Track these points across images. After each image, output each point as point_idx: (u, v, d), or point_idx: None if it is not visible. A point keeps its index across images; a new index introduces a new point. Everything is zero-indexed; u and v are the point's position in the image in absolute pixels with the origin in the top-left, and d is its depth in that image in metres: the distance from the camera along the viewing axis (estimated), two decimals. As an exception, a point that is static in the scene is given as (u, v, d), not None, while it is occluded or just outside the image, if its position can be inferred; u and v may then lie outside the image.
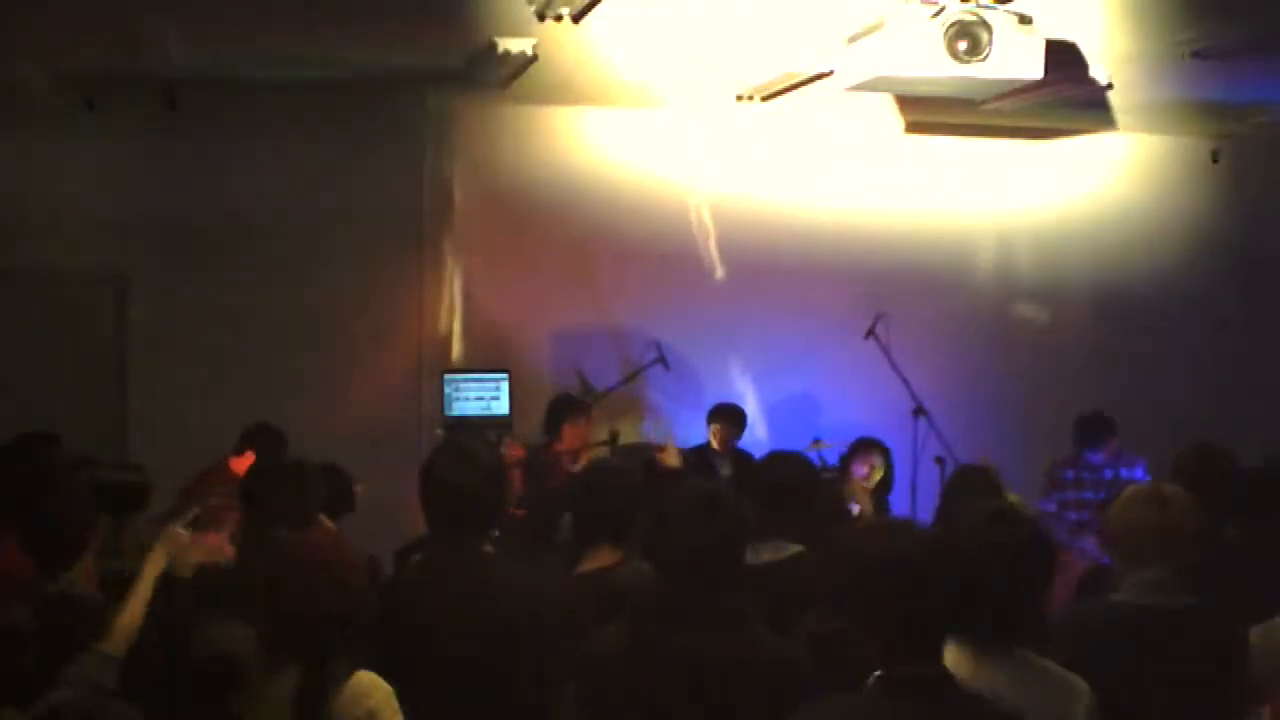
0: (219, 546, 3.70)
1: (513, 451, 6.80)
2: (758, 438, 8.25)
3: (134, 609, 3.29)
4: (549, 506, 5.31)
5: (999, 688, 2.73)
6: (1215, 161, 8.88)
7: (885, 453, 7.03)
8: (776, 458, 4.46)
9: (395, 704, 2.94)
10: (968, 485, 4.88)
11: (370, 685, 2.94)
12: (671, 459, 5.30)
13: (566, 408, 7.21)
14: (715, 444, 7.60)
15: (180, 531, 3.55)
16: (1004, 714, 2.42)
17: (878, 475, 6.90)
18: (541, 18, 5.66)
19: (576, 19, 5.66)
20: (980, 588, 2.72)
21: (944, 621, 2.49)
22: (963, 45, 5.02)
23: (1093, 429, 7.31)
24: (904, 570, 2.44)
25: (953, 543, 2.53)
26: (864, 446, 7.01)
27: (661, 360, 8.14)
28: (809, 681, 2.83)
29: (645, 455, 5.55)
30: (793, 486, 4.13)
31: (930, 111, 8.09)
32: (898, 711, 2.37)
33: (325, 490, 4.06)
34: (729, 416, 7.70)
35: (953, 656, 2.77)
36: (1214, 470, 4.05)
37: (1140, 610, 3.27)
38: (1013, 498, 4.94)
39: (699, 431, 7.78)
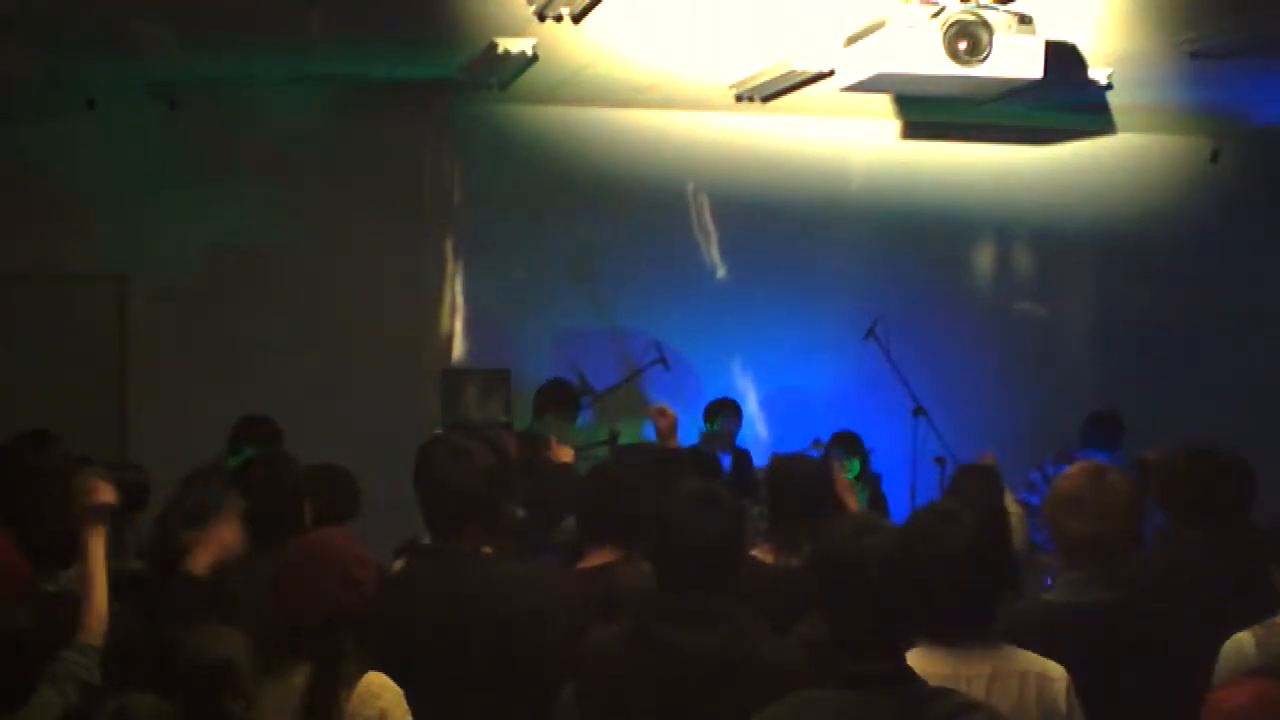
0: (226, 542, 3.69)
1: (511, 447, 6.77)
2: (758, 436, 8.27)
3: (99, 594, 3.23)
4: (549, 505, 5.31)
5: (978, 682, 2.74)
6: (1215, 161, 8.88)
7: (851, 446, 6.96)
8: (796, 464, 4.44)
9: (405, 705, 2.94)
10: (968, 485, 4.87)
11: (381, 686, 2.93)
12: (668, 434, 5.27)
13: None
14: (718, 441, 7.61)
15: (88, 481, 3.40)
16: (964, 705, 2.42)
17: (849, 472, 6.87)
18: (541, 18, 5.66)
19: (576, 19, 5.66)
20: (938, 586, 2.73)
21: (901, 621, 2.50)
22: (963, 45, 5.01)
23: (1100, 429, 7.22)
24: (854, 571, 2.44)
25: (906, 542, 2.54)
26: (834, 442, 6.97)
27: (661, 360, 8.13)
28: (807, 682, 2.82)
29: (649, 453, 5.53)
30: (816, 491, 4.14)
31: (930, 111, 8.09)
32: (855, 708, 2.38)
33: (326, 493, 4.04)
34: (728, 411, 7.70)
35: (929, 656, 2.78)
36: (1209, 472, 4.02)
37: (1064, 608, 3.28)
38: (1010, 498, 4.95)
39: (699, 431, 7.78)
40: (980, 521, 2.95)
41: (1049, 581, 3.70)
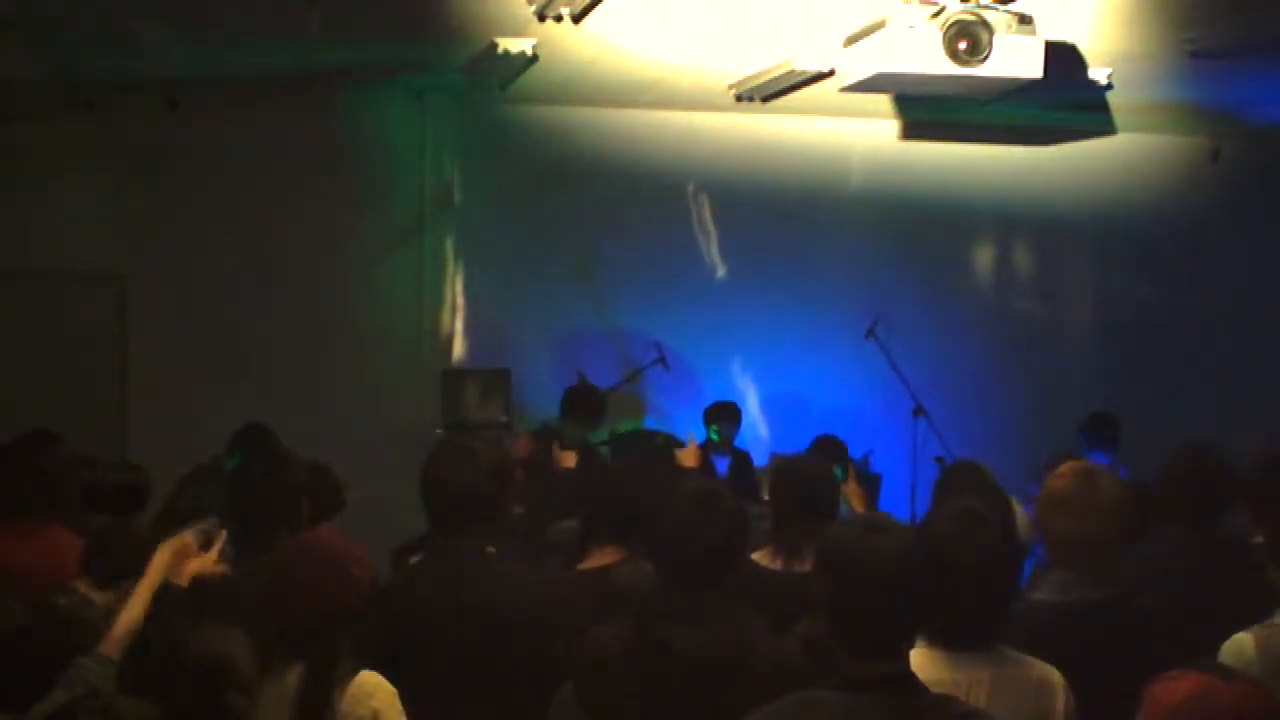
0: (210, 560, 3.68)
1: (519, 448, 6.76)
2: (758, 437, 8.26)
3: (133, 612, 3.24)
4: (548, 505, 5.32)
5: (979, 686, 2.73)
6: (1215, 161, 8.88)
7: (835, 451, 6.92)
8: (799, 465, 4.42)
9: (399, 705, 2.94)
10: (957, 483, 4.83)
11: (374, 686, 2.93)
12: (689, 460, 5.31)
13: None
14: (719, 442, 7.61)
15: (188, 539, 3.49)
16: (964, 714, 2.41)
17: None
18: (541, 18, 5.67)
19: (576, 19, 5.67)
20: (947, 588, 2.72)
21: (906, 622, 2.47)
22: (963, 45, 5.02)
23: (1103, 431, 7.20)
24: (861, 570, 2.43)
25: (916, 544, 2.52)
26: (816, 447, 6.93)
27: (661, 360, 8.14)
28: (806, 682, 2.82)
29: (656, 444, 5.52)
30: (819, 493, 4.13)
31: (930, 111, 8.09)
32: (855, 710, 2.37)
33: (313, 491, 4.03)
34: (727, 414, 7.70)
35: (930, 658, 2.78)
36: (1201, 471, 4.02)
37: (1051, 606, 3.26)
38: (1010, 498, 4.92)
39: (698, 432, 7.77)
40: (1005, 524, 2.95)
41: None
